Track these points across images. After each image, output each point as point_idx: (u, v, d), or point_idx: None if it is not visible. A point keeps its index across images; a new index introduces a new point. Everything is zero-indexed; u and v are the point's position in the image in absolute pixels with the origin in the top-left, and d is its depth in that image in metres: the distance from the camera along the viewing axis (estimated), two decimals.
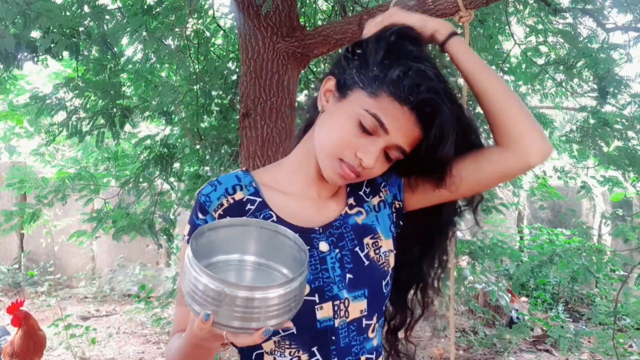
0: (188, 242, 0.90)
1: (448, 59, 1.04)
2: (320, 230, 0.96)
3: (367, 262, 0.96)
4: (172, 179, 3.23)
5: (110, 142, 3.37)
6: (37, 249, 6.04)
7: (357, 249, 0.97)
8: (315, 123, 0.98)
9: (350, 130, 0.89)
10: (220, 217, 0.93)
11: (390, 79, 0.85)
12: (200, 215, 0.94)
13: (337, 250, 0.95)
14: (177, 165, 3.19)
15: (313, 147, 0.96)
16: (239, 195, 0.96)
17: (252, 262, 0.86)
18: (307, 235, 0.94)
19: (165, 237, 3.17)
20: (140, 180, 2.91)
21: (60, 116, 2.67)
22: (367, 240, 0.99)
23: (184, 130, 2.82)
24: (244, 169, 1.02)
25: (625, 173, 2.98)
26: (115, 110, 2.55)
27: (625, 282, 3.63)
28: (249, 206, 0.95)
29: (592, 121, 3.05)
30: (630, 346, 4.16)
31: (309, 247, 0.92)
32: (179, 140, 3.06)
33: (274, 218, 0.94)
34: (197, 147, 2.83)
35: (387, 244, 1.01)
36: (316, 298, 0.91)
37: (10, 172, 2.96)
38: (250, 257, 0.86)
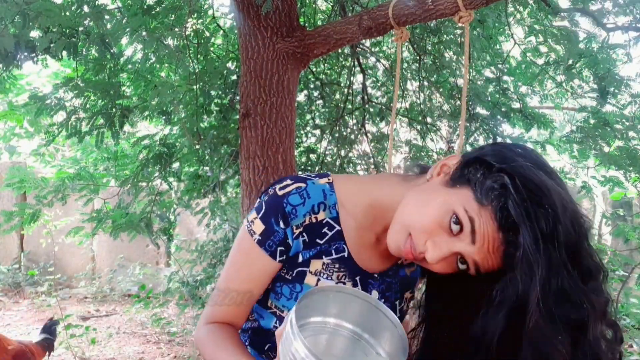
0: (259, 244, 0.91)
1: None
2: (377, 277, 0.97)
3: (398, 316, 0.98)
4: (171, 179, 3.23)
5: (110, 142, 3.37)
6: (37, 249, 6.04)
7: (397, 301, 1.00)
8: (416, 183, 0.92)
9: (439, 218, 0.81)
10: (299, 234, 0.91)
11: (504, 205, 0.76)
12: (281, 224, 0.90)
13: (382, 300, 0.97)
14: (176, 165, 3.18)
15: (400, 203, 0.90)
16: (321, 216, 0.92)
17: (349, 330, 0.82)
18: (366, 279, 0.96)
19: (164, 237, 3.17)
20: (139, 179, 2.91)
21: (60, 116, 2.66)
22: (407, 294, 1.02)
23: (183, 130, 2.82)
24: (331, 180, 0.95)
25: (627, 173, 2.98)
26: (114, 110, 2.55)
27: (625, 282, 3.62)
28: (325, 230, 0.93)
29: (592, 121, 3.05)
30: (631, 346, 4.16)
31: (365, 290, 0.95)
32: (179, 141, 3.06)
33: (345, 254, 0.94)
34: (197, 147, 2.82)
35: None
36: None
37: (10, 172, 2.95)
38: (347, 325, 0.83)
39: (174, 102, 2.63)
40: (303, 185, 0.92)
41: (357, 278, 0.96)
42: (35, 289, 5.68)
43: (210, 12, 3.31)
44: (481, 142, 3.71)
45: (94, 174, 3.03)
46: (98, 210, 3.01)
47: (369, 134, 3.77)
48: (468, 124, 3.42)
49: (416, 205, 0.85)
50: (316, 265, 0.94)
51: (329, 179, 0.95)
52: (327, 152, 3.71)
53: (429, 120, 3.70)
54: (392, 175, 0.99)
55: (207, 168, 3.07)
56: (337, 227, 0.93)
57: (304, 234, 0.92)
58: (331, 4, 3.63)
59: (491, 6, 2.76)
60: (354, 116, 3.82)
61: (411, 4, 1.74)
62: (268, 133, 2.21)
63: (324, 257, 0.94)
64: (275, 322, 0.98)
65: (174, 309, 4.79)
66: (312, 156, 3.66)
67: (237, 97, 2.76)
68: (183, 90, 2.69)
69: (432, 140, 3.76)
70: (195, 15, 2.97)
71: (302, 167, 3.53)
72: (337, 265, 0.94)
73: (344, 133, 3.72)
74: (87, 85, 2.49)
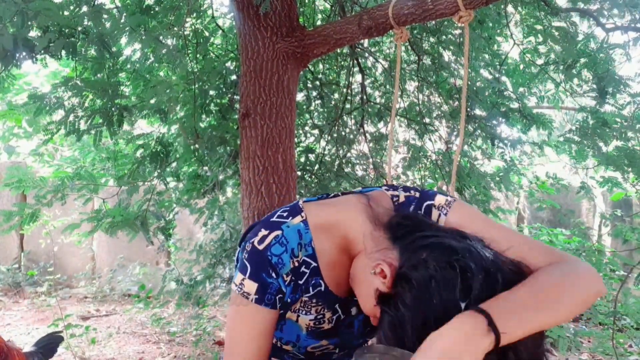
0: (258, 302, 0.91)
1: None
2: (356, 298, 0.98)
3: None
4: (170, 179, 3.23)
5: (109, 141, 3.36)
6: (37, 249, 6.03)
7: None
8: (373, 241, 0.90)
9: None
10: (290, 281, 0.92)
11: None
12: (273, 275, 0.91)
13: (362, 315, 1.02)
14: (175, 164, 3.18)
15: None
16: (299, 257, 0.93)
17: None
18: (346, 304, 0.99)
19: (163, 235, 3.17)
20: (135, 177, 2.91)
21: (59, 115, 2.66)
22: None
23: (181, 129, 2.82)
24: (304, 217, 0.94)
25: (625, 173, 2.98)
26: (113, 109, 2.54)
27: (624, 282, 3.62)
28: (303, 269, 0.94)
29: (591, 121, 3.05)
30: (630, 346, 4.16)
31: (345, 314, 0.99)
32: (177, 140, 3.06)
33: (322, 287, 0.95)
34: (195, 146, 2.82)
35: None
36: (337, 351, 1.03)
37: (9, 172, 2.95)
38: None
39: (171, 100, 2.63)
40: (279, 233, 0.91)
41: (337, 306, 0.99)
42: (35, 289, 5.68)
43: (209, 12, 3.31)
44: (480, 142, 3.72)
45: (92, 173, 3.02)
46: (97, 210, 3.01)
47: (367, 134, 3.77)
48: (467, 125, 3.42)
49: (366, 296, 0.88)
50: (295, 303, 0.96)
51: (302, 216, 0.94)
52: (325, 152, 3.71)
53: (427, 120, 3.71)
54: (359, 209, 0.95)
55: (207, 168, 3.07)
56: (314, 264, 0.94)
57: (293, 278, 0.93)
58: (330, 4, 3.63)
59: (490, 6, 2.76)
60: (352, 116, 3.82)
61: (411, 4, 1.74)
62: (268, 133, 2.21)
63: (303, 294, 0.95)
64: None
65: (174, 309, 4.79)
66: (311, 156, 3.66)
67: (237, 97, 2.77)
68: (180, 89, 2.69)
69: (430, 140, 3.77)
70: (195, 14, 2.97)
71: (301, 167, 3.53)
72: (314, 300, 0.96)
73: (343, 133, 3.72)
74: (86, 85, 2.49)
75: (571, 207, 6.30)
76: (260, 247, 0.91)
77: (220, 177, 3.05)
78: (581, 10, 2.80)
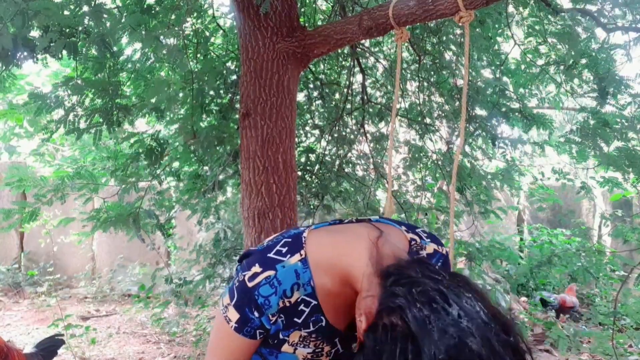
0: (237, 331, 0.92)
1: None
2: (354, 333, 0.98)
3: None
4: (170, 179, 3.23)
5: (109, 142, 3.37)
6: (37, 249, 6.04)
7: None
8: (369, 278, 0.86)
9: None
10: (277, 319, 0.92)
11: None
12: (255, 314, 0.91)
13: None
14: (176, 164, 3.18)
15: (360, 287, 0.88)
16: (295, 296, 0.91)
17: None
18: (345, 338, 0.99)
19: (160, 232, 3.16)
20: (129, 173, 2.91)
21: (59, 114, 2.66)
22: None
23: (179, 128, 2.83)
24: (303, 255, 0.92)
25: (625, 174, 2.98)
26: (112, 108, 2.55)
27: (624, 283, 3.62)
28: (302, 307, 0.93)
29: (592, 122, 3.05)
30: (630, 346, 4.16)
31: (345, 348, 1.00)
32: (176, 140, 3.06)
33: (323, 323, 0.95)
34: (192, 146, 2.82)
35: None
36: None
37: (10, 171, 2.95)
38: None
39: (171, 100, 2.63)
40: (272, 273, 0.90)
41: (336, 340, 0.99)
42: (35, 289, 5.68)
43: (210, 11, 3.31)
44: (480, 142, 3.72)
45: (93, 172, 3.02)
46: (97, 210, 3.01)
47: (368, 134, 3.77)
48: (467, 125, 3.42)
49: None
50: (294, 337, 0.96)
51: (301, 254, 0.92)
52: (326, 152, 3.71)
53: (428, 120, 3.70)
54: (366, 246, 0.90)
55: (207, 168, 3.07)
56: (314, 302, 0.93)
57: (282, 316, 0.92)
58: (331, 4, 3.63)
59: (491, 6, 2.76)
60: (353, 116, 3.82)
61: (411, 4, 1.74)
62: (268, 133, 2.21)
63: (302, 329, 0.95)
64: None
65: (174, 309, 4.79)
66: (312, 156, 3.66)
67: (237, 97, 2.76)
68: (178, 88, 2.69)
69: (431, 140, 3.77)
70: (195, 14, 2.97)
71: (302, 166, 3.53)
72: (314, 336, 0.97)
73: (344, 133, 3.72)
74: (87, 85, 2.49)
75: (571, 207, 6.30)
76: (250, 285, 0.90)
77: (221, 177, 3.05)
78: (582, 10, 2.79)
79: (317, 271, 0.92)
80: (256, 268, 0.90)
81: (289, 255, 0.92)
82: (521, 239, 6.51)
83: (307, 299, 0.92)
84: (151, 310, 4.78)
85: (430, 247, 0.98)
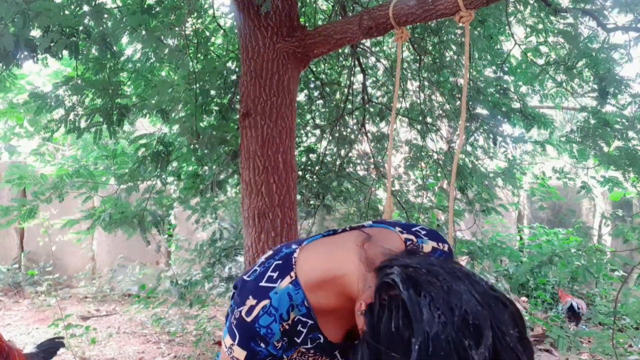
0: None
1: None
2: (354, 343, 0.99)
3: None
4: (171, 178, 3.23)
5: (110, 141, 3.36)
6: (37, 249, 6.04)
7: None
8: (365, 283, 0.86)
9: None
10: (282, 345, 0.93)
11: None
12: (262, 345, 0.91)
13: None
14: (175, 164, 3.18)
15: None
16: (291, 317, 0.92)
17: None
18: (345, 350, 1.00)
19: (156, 230, 3.16)
20: (136, 176, 2.91)
21: (60, 114, 2.66)
22: None
23: (182, 129, 2.83)
24: (294, 277, 0.92)
25: (626, 173, 2.98)
26: (113, 108, 2.55)
27: (625, 282, 3.63)
28: (300, 327, 0.94)
29: (592, 121, 3.05)
30: (630, 346, 4.16)
31: (346, 356, 1.00)
32: (178, 140, 3.06)
33: (322, 340, 0.96)
34: (195, 146, 2.82)
35: None
36: None
37: (10, 169, 2.95)
38: None
39: (172, 100, 2.63)
40: (267, 302, 0.90)
41: (336, 352, 1.00)
42: (35, 289, 5.68)
43: (210, 11, 3.31)
44: (481, 142, 3.72)
45: (93, 171, 3.02)
46: (97, 209, 3.01)
47: (369, 134, 3.77)
48: (468, 124, 3.42)
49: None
50: (294, 353, 0.99)
51: (291, 276, 0.91)
52: (327, 152, 3.71)
53: (429, 120, 3.70)
54: (356, 251, 0.91)
55: (207, 167, 3.07)
56: (310, 322, 0.93)
57: (284, 339, 0.93)
58: (331, 4, 3.63)
59: (491, 6, 2.76)
60: (354, 116, 3.82)
61: (411, 4, 1.74)
62: (268, 133, 2.21)
63: (301, 346, 0.97)
64: None
65: (174, 308, 4.79)
66: (312, 156, 3.66)
67: (237, 97, 2.77)
68: (181, 89, 2.69)
69: (432, 140, 3.77)
70: (195, 14, 2.97)
71: (303, 166, 3.53)
72: (312, 351, 0.98)
73: (344, 133, 3.72)
74: (87, 84, 2.49)
75: (572, 207, 6.30)
76: (249, 320, 0.90)
77: (221, 177, 3.05)
78: (582, 10, 2.79)
79: (311, 290, 0.92)
80: (251, 301, 0.90)
81: (279, 280, 0.91)
82: (521, 239, 6.52)
83: (303, 319, 0.93)
84: (151, 310, 4.78)
85: (429, 246, 0.98)
